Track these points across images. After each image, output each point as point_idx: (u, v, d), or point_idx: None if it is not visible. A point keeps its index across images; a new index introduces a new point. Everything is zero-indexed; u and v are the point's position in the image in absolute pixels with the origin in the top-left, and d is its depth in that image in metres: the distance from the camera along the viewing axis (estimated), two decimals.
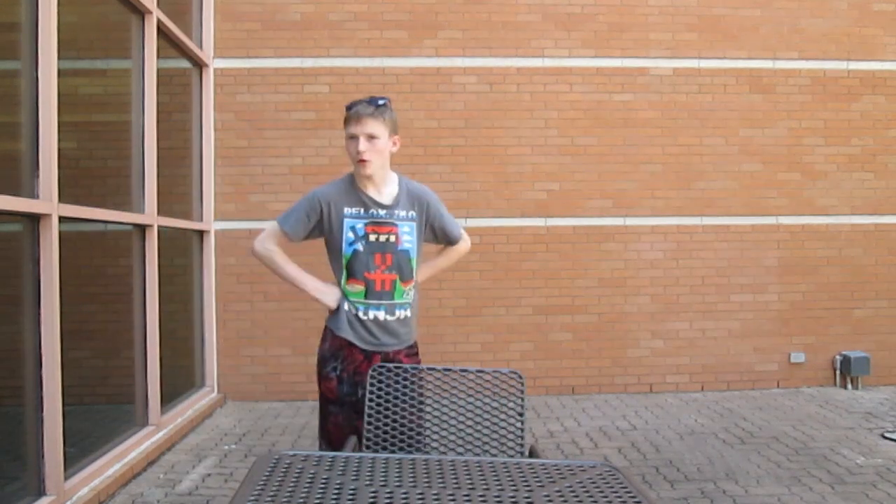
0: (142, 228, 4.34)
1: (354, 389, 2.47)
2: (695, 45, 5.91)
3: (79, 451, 3.50)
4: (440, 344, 5.58)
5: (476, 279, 5.66)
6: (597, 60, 5.86)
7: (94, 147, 4.15)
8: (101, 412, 4.15)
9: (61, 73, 3.22)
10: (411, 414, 2.28)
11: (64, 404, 3.17)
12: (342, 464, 1.60)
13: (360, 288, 2.50)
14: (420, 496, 1.40)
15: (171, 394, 4.80)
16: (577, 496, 1.44)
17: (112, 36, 4.37)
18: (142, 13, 4.37)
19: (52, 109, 3.15)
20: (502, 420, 2.25)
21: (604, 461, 1.92)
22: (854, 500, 3.41)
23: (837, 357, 5.95)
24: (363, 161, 2.42)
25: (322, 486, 1.45)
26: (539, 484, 1.50)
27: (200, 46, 5.45)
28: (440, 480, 1.51)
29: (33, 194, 3.09)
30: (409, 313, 2.56)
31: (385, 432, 2.24)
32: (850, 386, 5.86)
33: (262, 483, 1.45)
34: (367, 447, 2.21)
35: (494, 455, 2.22)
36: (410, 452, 2.24)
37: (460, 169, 5.73)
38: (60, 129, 3.20)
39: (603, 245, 5.87)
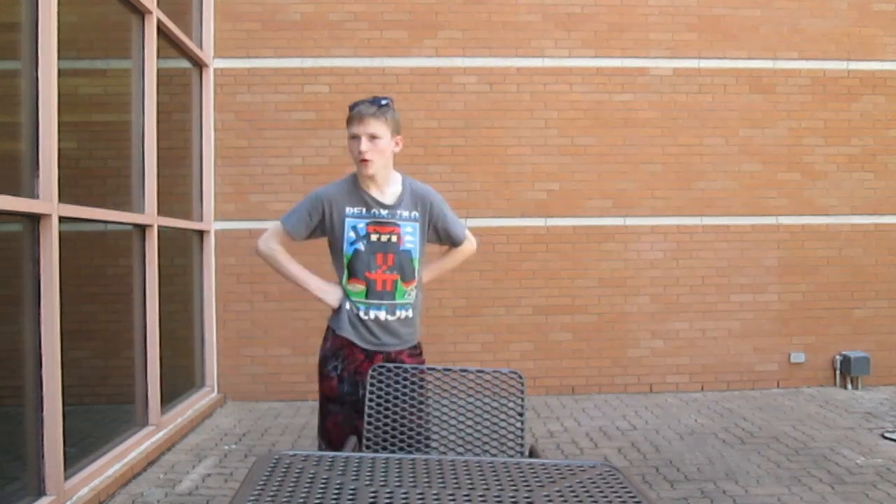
0: (142, 228, 4.34)
1: (355, 389, 2.47)
2: (695, 45, 5.91)
3: (79, 451, 3.50)
4: (440, 344, 5.58)
5: (476, 279, 5.66)
6: (597, 60, 5.86)
7: (94, 147, 4.15)
8: (101, 412, 4.15)
9: (61, 73, 3.22)
10: (411, 414, 2.28)
11: (64, 404, 3.17)
12: (342, 464, 1.60)
13: (360, 287, 2.50)
14: (420, 496, 1.40)
15: (171, 394, 4.80)
16: (577, 496, 1.44)
17: (112, 36, 4.37)
18: (142, 13, 4.37)
19: (52, 109, 3.15)
20: (502, 420, 2.25)
21: (604, 461, 1.92)
22: (854, 500, 3.41)
23: (837, 357, 5.95)
24: (365, 161, 2.43)
25: (322, 486, 1.45)
26: (539, 484, 1.50)
27: (200, 46, 5.45)
28: (440, 480, 1.51)
29: (33, 194, 3.09)
30: (410, 314, 2.56)
31: (385, 432, 2.24)
32: (850, 386, 5.86)
33: (262, 483, 1.45)
34: (367, 447, 2.21)
35: (494, 455, 2.22)
36: (410, 452, 2.24)
37: (460, 169, 5.73)
38: (60, 129, 3.20)
39: (603, 245, 5.87)
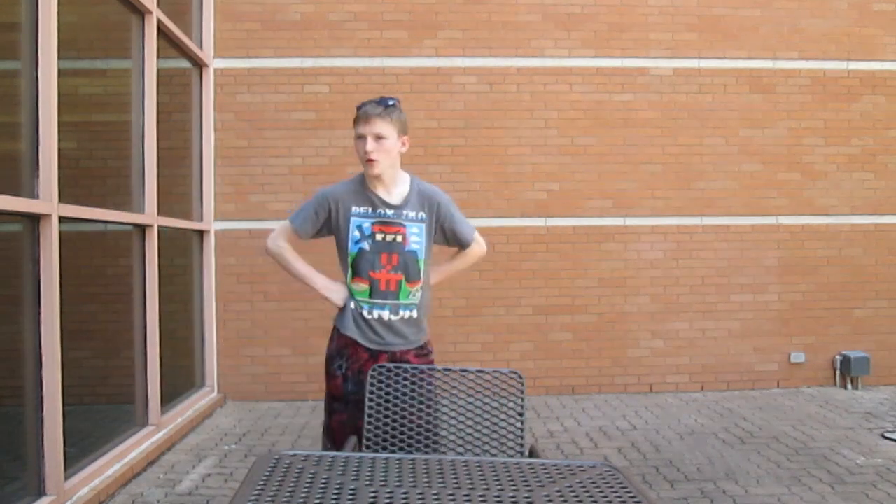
0: (142, 228, 4.34)
1: (359, 388, 2.47)
2: (695, 45, 5.91)
3: (79, 451, 3.50)
4: (440, 344, 5.52)
5: (476, 279, 5.66)
6: (597, 60, 5.86)
7: (94, 147, 4.15)
8: (101, 412, 4.15)
9: (61, 73, 3.22)
10: (411, 414, 2.28)
11: (64, 404, 3.17)
12: (342, 464, 1.60)
13: (364, 287, 2.51)
14: (420, 496, 1.41)
15: (171, 394, 4.80)
16: (577, 496, 1.44)
17: (112, 36, 4.37)
18: (142, 13, 4.37)
19: (52, 109, 3.15)
20: (502, 420, 2.25)
21: (604, 461, 1.92)
22: (854, 500, 3.42)
23: (837, 357, 5.95)
24: (371, 161, 2.44)
25: (322, 486, 1.45)
26: (539, 484, 1.50)
27: (200, 46, 5.45)
28: (440, 480, 1.51)
29: (33, 194, 3.09)
30: (415, 314, 2.56)
31: (385, 432, 2.24)
32: (850, 386, 5.86)
33: (262, 483, 1.45)
34: (367, 447, 2.21)
35: (494, 455, 2.22)
36: (411, 452, 2.24)
37: (460, 169, 5.73)
38: (60, 129, 3.20)
39: (603, 245, 5.87)
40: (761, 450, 4.23)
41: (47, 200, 3.13)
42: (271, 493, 1.39)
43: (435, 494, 1.42)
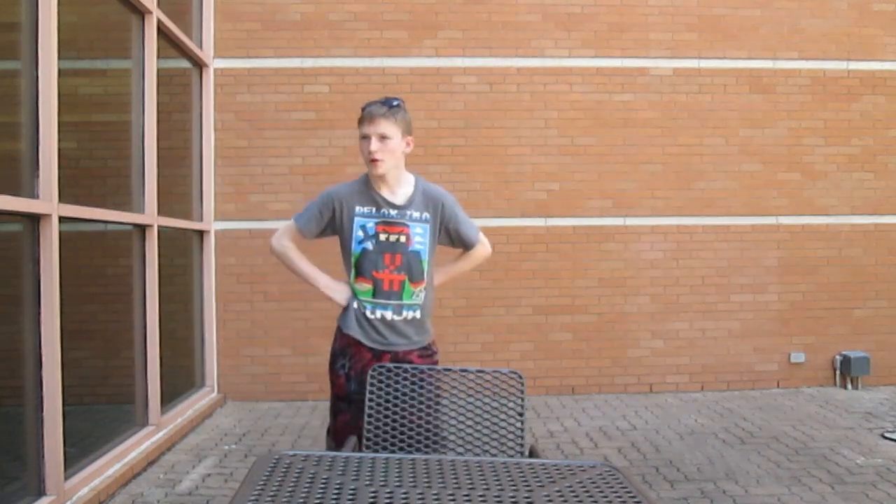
0: (142, 228, 4.34)
1: (362, 388, 2.47)
2: (695, 45, 5.91)
3: (79, 451, 3.50)
4: (440, 344, 5.52)
5: (476, 279, 5.66)
6: (597, 60, 5.86)
7: (94, 147, 4.15)
8: (101, 412, 4.15)
9: (61, 73, 3.22)
10: (411, 414, 2.28)
11: (64, 404, 3.17)
12: (342, 464, 1.60)
13: (367, 287, 2.51)
14: (420, 496, 1.41)
15: (171, 394, 4.80)
16: (577, 496, 1.44)
17: (112, 36, 4.37)
18: (142, 13, 4.37)
19: (52, 109, 3.15)
20: (502, 420, 2.25)
21: (604, 461, 1.92)
22: (854, 500, 3.42)
23: (837, 357, 5.95)
24: (375, 161, 2.44)
25: (322, 486, 1.45)
26: (539, 484, 1.51)
27: (200, 46, 5.45)
28: (440, 480, 1.51)
29: (33, 194, 3.09)
30: (418, 315, 2.56)
31: (385, 432, 2.24)
32: (850, 386, 5.86)
33: (262, 483, 1.45)
34: (367, 447, 2.21)
35: (494, 455, 2.22)
36: (411, 452, 2.24)
37: (460, 169, 5.73)
38: (60, 129, 3.20)
39: (603, 245, 5.87)
40: (761, 450, 4.23)
41: (47, 200, 3.13)
42: (271, 493, 1.39)
43: (435, 494, 1.42)
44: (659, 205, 5.89)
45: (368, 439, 2.22)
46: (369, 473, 1.54)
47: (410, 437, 2.27)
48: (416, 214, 2.53)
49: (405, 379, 2.31)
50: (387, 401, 2.26)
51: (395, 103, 2.48)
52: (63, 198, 3.23)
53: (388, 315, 2.52)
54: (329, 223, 2.57)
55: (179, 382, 5.12)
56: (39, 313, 3.10)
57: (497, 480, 1.52)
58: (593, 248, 5.85)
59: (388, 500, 1.38)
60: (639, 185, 5.87)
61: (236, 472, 3.89)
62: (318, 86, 5.72)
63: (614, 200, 5.87)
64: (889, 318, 6.03)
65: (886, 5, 6.03)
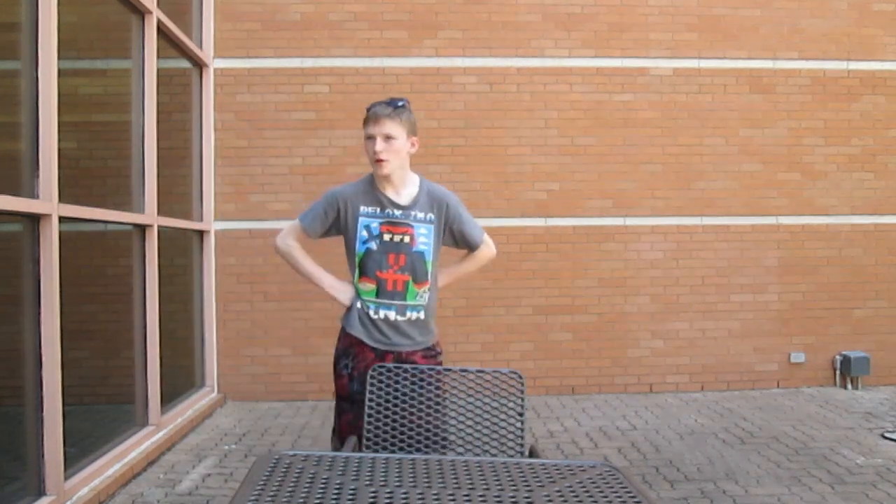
0: (142, 228, 4.34)
1: (365, 388, 2.48)
2: (695, 45, 5.91)
3: (79, 451, 3.50)
4: (440, 344, 5.57)
5: (476, 279, 5.64)
6: (597, 60, 5.86)
7: (94, 147, 4.15)
8: (101, 412, 4.15)
9: (61, 73, 3.22)
10: (411, 414, 2.28)
11: (64, 404, 3.17)
12: (342, 464, 1.60)
13: (371, 287, 2.52)
14: (420, 496, 1.40)
15: (171, 394, 4.80)
16: (577, 496, 1.44)
17: (112, 36, 4.37)
18: (142, 13, 4.37)
19: (52, 109, 3.15)
20: (502, 420, 2.25)
21: (604, 461, 1.92)
22: (854, 500, 3.42)
23: (837, 357, 5.95)
24: (380, 161, 2.45)
25: (322, 486, 1.45)
26: (539, 484, 1.50)
27: (200, 46, 5.45)
28: (440, 480, 1.51)
29: (33, 194, 3.09)
30: (422, 315, 2.56)
31: (385, 432, 2.24)
32: (850, 386, 5.86)
33: (262, 483, 1.45)
34: (367, 447, 2.21)
35: (494, 455, 2.22)
36: (411, 452, 2.24)
37: (460, 169, 5.73)
38: (60, 129, 3.20)
39: (603, 245, 5.87)
40: (761, 450, 4.23)
41: (47, 200, 3.13)
42: (271, 493, 1.39)
43: (435, 494, 1.42)
44: (659, 205, 5.89)
45: (368, 439, 2.22)
46: (369, 473, 1.54)
47: (410, 437, 2.27)
48: (420, 215, 2.53)
49: (405, 379, 2.30)
50: (387, 401, 2.26)
51: (400, 104, 2.49)
52: (63, 198, 3.23)
53: (392, 315, 2.52)
54: (334, 223, 2.57)
55: (179, 382, 5.12)
56: (39, 313, 3.10)
57: (497, 480, 1.52)
58: (593, 248, 5.86)
59: (388, 500, 1.38)
60: (639, 185, 5.87)
61: (236, 472, 3.89)
62: (318, 86, 5.72)
63: (614, 200, 5.87)
64: (889, 318, 6.03)
65: (886, 5, 6.03)
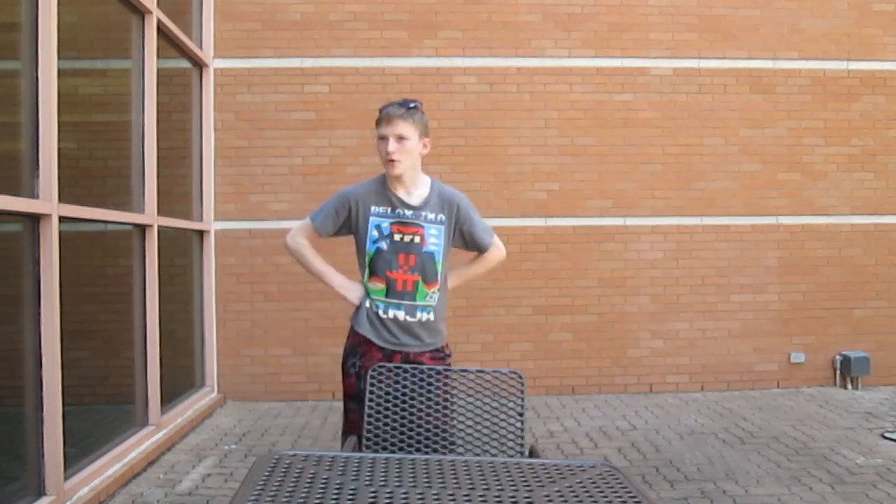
0: (142, 228, 4.34)
1: None
2: (695, 45, 5.91)
3: (79, 451, 3.50)
4: None
5: (476, 279, 5.65)
6: (597, 60, 5.86)
7: (94, 147, 4.15)
8: (101, 412, 4.15)
9: (61, 73, 3.22)
10: (412, 414, 2.28)
11: (64, 404, 3.17)
12: (342, 464, 1.60)
13: (381, 286, 2.53)
14: (420, 496, 1.41)
15: (171, 394, 4.80)
16: (577, 496, 1.44)
17: (112, 36, 4.37)
18: (142, 13, 4.37)
19: (52, 109, 3.15)
20: (502, 420, 2.25)
21: (604, 461, 1.92)
22: (854, 500, 3.42)
23: (837, 357, 5.95)
24: (392, 161, 2.46)
25: (322, 486, 1.45)
26: (539, 484, 1.51)
27: (200, 46, 5.45)
28: (440, 480, 1.51)
29: (33, 194, 3.09)
30: (431, 316, 2.57)
31: (385, 432, 2.24)
32: (850, 386, 5.86)
33: (262, 483, 1.45)
34: (367, 447, 2.21)
35: (494, 455, 2.22)
36: (411, 452, 2.24)
37: (460, 169, 5.73)
38: (60, 129, 3.20)
39: (603, 245, 5.87)
40: (761, 450, 4.23)
41: (47, 200, 3.13)
42: (271, 493, 1.39)
43: (435, 494, 1.42)
44: (659, 205, 5.89)
45: (368, 439, 2.22)
46: (369, 473, 1.54)
47: (411, 438, 2.27)
48: (431, 216, 2.55)
49: (405, 379, 2.30)
50: (387, 401, 2.26)
51: (412, 105, 2.51)
52: (63, 198, 3.23)
53: (401, 315, 2.53)
54: (345, 222, 2.58)
55: (179, 382, 5.12)
56: (39, 313, 3.10)
57: (497, 480, 1.52)
58: (593, 248, 5.85)
59: (388, 500, 1.38)
60: (639, 185, 5.87)
61: (236, 472, 3.89)
62: (318, 86, 5.72)
63: (614, 200, 5.87)
64: (889, 318, 6.03)
65: (886, 5, 6.03)
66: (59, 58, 3.19)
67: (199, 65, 5.52)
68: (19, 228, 3.10)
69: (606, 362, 5.85)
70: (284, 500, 1.36)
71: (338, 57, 5.73)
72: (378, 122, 2.51)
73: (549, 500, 1.41)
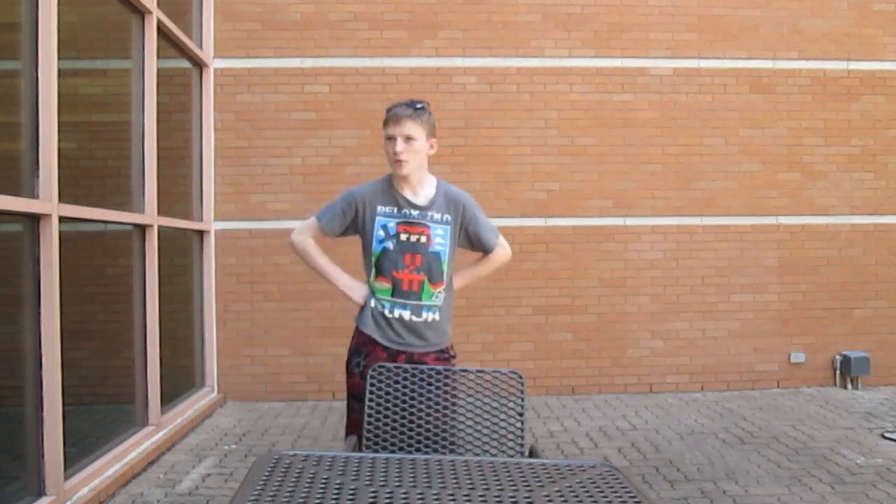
0: (142, 228, 4.34)
1: None
2: (695, 45, 5.91)
3: (79, 451, 3.50)
4: None
5: None
6: (597, 60, 5.86)
7: (94, 147, 4.16)
8: (101, 412, 4.15)
9: (61, 73, 3.22)
10: (411, 414, 2.28)
11: (64, 404, 3.17)
12: (342, 464, 1.60)
13: (387, 286, 2.54)
14: (420, 496, 1.41)
15: (171, 394, 4.80)
16: (577, 496, 1.44)
17: (112, 36, 4.37)
18: (142, 13, 4.37)
19: (52, 109, 3.15)
20: (502, 420, 2.25)
21: (604, 461, 1.92)
22: (854, 500, 3.42)
23: (837, 357, 5.95)
24: (400, 161, 2.47)
25: (322, 486, 1.45)
26: (539, 484, 1.51)
27: (200, 46, 5.45)
28: (440, 480, 1.51)
29: (33, 194, 3.09)
30: (437, 316, 2.57)
31: (385, 432, 2.24)
32: (850, 386, 5.86)
33: (262, 483, 1.45)
34: (367, 447, 2.21)
35: (494, 455, 2.22)
36: (410, 452, 2.24)
37: (460, 169, 5.72)
38: (60, 129, 3.20)
39: (603, 245, 5.87)
40: (761, 450, 4.23)
41: (47, 200, 3.13)
42: (271, 493, 1.39)
43: (435, 494, 1.42)
44: (659, 205, 5.89)
45: (368, 439, 2.22)
46: (369, 473, 1.54)
47: (411, 438, 2.27)
48: (437, 216, 2.56)
49: (405, 379, 2.30)
50: (387, 401, 2.26)
51: (420, 105, 2.52)
52: (63, 198, 3.23)
53: (407, 315, 2.53)
54: (352, 223, 2.59)
55: (179, 382, 5.12)
56: (39, 313, 3.10)
57: (497, 480, 1.52)
58: (593, 248, 5.85)
59: (388, 500, 1.38)
60: (639, 185, 5.87)
61: (236, 472, 3.89)
62: (318, 86, 5.72)
63: (614, 200, 5.87)
64: (889, 318, 6.03)
65: (886, 5, 6.03)
66: (59, 58, 3.19)
67: (199, 65, 5.52)
68: (19, 228, 3.10)
69: (606, 362, 5.85)
70: (284, 500, 1.36)
71: (338, 57, 5.73)
72: (386, 123, 2.52)
73: (549, 500, 1.41)
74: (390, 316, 2.53)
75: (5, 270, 3.17)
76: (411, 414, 2.27)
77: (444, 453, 2.28)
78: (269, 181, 5.67)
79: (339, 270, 2.65)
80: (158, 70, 4.50)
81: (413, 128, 2.48)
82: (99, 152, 4.23)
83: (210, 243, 5.60)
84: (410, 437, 2.27)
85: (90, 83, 4.18)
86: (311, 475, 1.51)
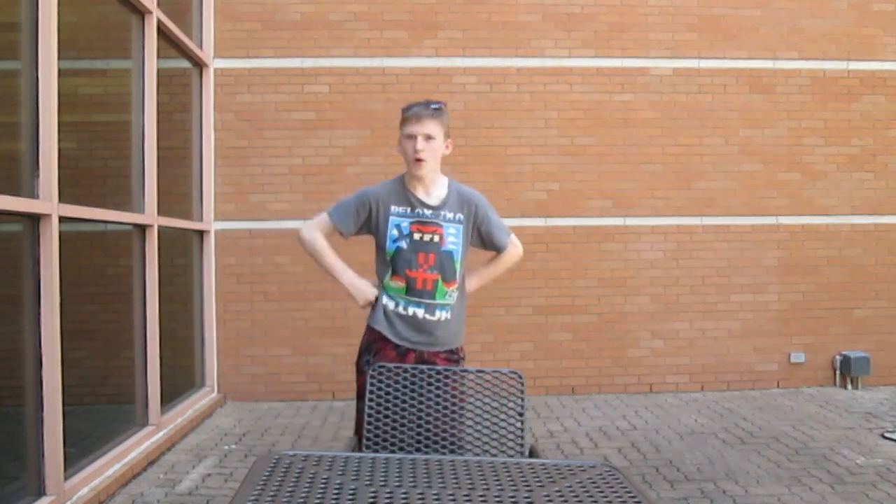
0: (142, 228, 4.34)
1: None
2: (695, 45, 5.91)
3: (79, 451, 3.50)
4: None
5: None
6: (597, 60, 5.86)
7: (94, 147, 4.15)
8: (101, 412, 4.15)
9: (61, 73, 3.22)
10: (411, 414, 2.28)
11: (64, 404, 3.17)
12: (342, 464, 1.60)
13: (401, 285, 2.55)
14: (420, 496, 1.41)
15: (171, 394, 4.80)
16: (577, 496, 1.44)
17: (112, 36, 4.37)
18: (142, 13, 4.37)
19: (52, 109, 3.15)
20: (502, 420, 2.25)
21: (604, 461, 1.92)
22: (854, 500, 3.42)
23: (837, 357, 5.95)
24: (419, 160, 2.49)
25: (322, 486, 1.45)
26: (539, 484, 1.51)
27: (200, 46, 5.45)
28: (440, 480, 1.51)
29: (33, 194, 3.09)
30: (450, 316, 2.58)
31: (385, 432, 2.24)
32: (850, 386, 5.86)
33: (262, 483, 1.45)
34: (367, 447, 2.21)
35: (494, 455, 2.22)
36: (410, 452, 2.24)
37: (460, 169, 5.70)
38: (60, 129, 3.20)
39: (603, 245, 5.87)
40: (761, 450, 4.23)
41: (47, 200, 3.13)
42: (271, 493, 1.39)
43: (435, 494, 1.42)
44: (659, 205, 5.89)
45: (368, 439, 2.22)
46: (369, 473, 1.54)
47: (411, 438, 2.27)
48: (449, 215, 2.57)
49: (406, 379, 2.30)
50: (387, 401, 2.26)
51: (438, 105, 2.56)
52: (63, 198, 3.23)
53: (420, 313, 2.54)
54: (365, 222, 2.60)
55: (179, 382, 5.12)
56: (39, 313, 3.10)
57: (497, 480, 1.52)
58: (593, 248, 5.85)
59: (388, 500, 1.38)
60: (639, 185, 5.87)
61: (236, 472, 3.89)
62: (318, 86, 5.72)
63: (614, 200, 5.87)
64: (889, 318, 6.02)
65: (886, 5, 6.03)
66: (59, 58, 3.19)
67: (199, 65, 5.52)
68: (19, 228, 3.10)
69: (606, 362, 5.85)
70: (284, 500, 1.36)
71: (338, 57, 5.73)
72: (404, 122, 2.53)
73: (549, 500, 1.41)
74: (404, 313, 2.54)
75: (5, 270, 3.17)
76: (412, 414, 2.27)
77: (444, 454, 2.28)
78: (269, 181, 5.67)
79: (345, 267, 2.65)
80: (158, 70, 4.50)
81: (433, 127, 2.51)
82: (99, 152, 4.23)
83: (210, 243, 5.60)
84: (411, 438, 2.26)
85: (90, 83, 4.18)
86: (311, 475, 1.51)
